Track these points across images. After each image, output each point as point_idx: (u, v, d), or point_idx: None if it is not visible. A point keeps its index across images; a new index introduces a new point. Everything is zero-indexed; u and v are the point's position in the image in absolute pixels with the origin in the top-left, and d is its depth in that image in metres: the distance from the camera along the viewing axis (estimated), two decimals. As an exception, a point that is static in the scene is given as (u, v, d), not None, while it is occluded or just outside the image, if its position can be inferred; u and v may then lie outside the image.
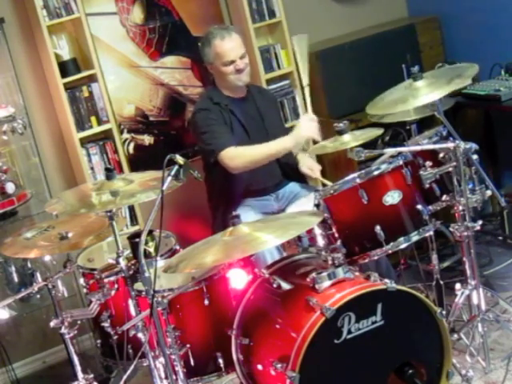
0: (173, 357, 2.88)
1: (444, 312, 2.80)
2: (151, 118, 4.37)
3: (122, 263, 2.89)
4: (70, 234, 3.12)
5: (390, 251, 3.03)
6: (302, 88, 3.73)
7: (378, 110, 3.42)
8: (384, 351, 2.74)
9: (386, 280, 2.76)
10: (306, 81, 3.69)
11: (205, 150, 3.69)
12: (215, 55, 3.69)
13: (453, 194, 3.17)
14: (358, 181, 3.01)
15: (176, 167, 2.68)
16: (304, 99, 3.73)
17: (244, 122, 3.74)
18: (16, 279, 3.84)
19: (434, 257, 3.41)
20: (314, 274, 2.82)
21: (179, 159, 2.69)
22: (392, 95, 3.38)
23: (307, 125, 3.61)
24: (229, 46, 3.68)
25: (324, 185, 3.65)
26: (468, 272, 3.22)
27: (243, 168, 3.59)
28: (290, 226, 2.85)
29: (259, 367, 2.89)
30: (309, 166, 3.83)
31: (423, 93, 3.22)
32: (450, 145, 3.08)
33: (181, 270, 2.80)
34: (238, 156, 3.57)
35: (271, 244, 2.84)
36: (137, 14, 4.27)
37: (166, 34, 4.34)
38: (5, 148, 3.94)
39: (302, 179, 3.89)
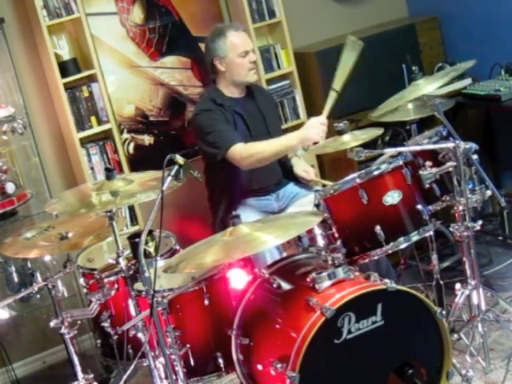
0: (173, 357, 2.87)
1: (444, 312, 2.79)
2: (151, 118, 4.37)
3: (122, 263, 2.88)
4: (70, 234, 3.12)
5: (390, 251, 3.03)
6: (329, 89, 3.48)
7: (379, 111, 3.45)
8: (384, 351, 2.74)
9: (386, 280, 2.76)
10: (336, 86, 3.45)
11: (210, 150, 3.63)
12: (231, 46, 3.66)
13: (453, 194, 3.16)
14: (358, 181, 3.00)
15: (176, 167, 2.68)
16: (326, 101, 3.50)
17: (247, 120, 3.73)
18: (16, 279, 3.85)
19: (434, 257, 3.40)
20: (313, 274, 2.81)
21: (179, 159, 2.69)
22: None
23: (317, 128, 3.45)
24: (243, 37, 3.74)
25: (323, 185, 3.65)
26: (468, 272, 3.21)
27: (252, 165, 3.55)
28: (290, 226, 2.84)
29: (259, 367, 2.88)
30: (303, 168, 3.83)
31: (418, 87, 3.28)
32: (450, 145, 3.08)
33: (181, 270, 2.79)
34: (247, 152, 3.53)
35: (271, 244, 2.84)
36: (137, 14, 4.27)
37: (166, 34, 4.34)
38: (5, 148, 3.94)
39: (298, 181, 3.88)
